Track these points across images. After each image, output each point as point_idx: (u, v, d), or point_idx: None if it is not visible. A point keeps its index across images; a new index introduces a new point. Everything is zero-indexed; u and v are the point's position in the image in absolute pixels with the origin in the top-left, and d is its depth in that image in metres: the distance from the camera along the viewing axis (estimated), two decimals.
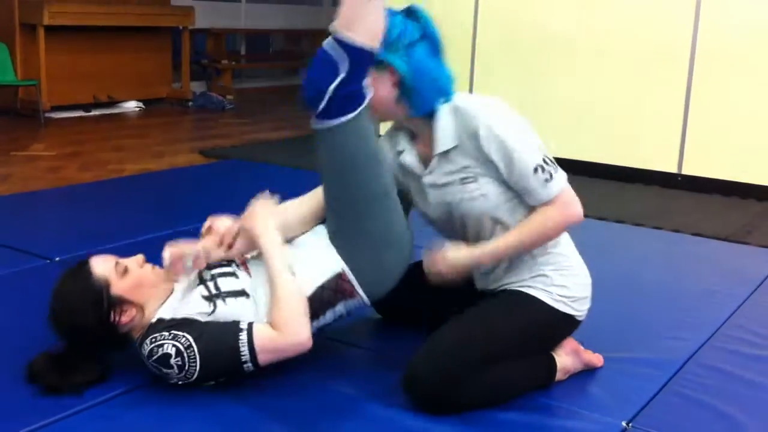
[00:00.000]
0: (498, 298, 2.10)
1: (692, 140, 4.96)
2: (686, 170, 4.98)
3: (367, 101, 1.92)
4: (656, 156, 5.07)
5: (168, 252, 2.08)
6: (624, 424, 1.98)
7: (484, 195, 2.02)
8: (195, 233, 2.27)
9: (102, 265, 2.06)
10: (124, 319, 2.03)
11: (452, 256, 2.05)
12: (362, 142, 1.96)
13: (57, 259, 3.05)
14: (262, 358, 1.98)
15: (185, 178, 4.89)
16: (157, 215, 3.80)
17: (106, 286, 2.03)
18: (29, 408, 1.95)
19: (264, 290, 2.05)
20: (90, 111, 7.41)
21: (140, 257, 2.12)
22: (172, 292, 2.11)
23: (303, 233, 2.18)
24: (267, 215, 2.11)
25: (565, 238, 2.17)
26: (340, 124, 1.90)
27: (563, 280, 2.09)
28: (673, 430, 1.97)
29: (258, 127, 7.05)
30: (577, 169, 5.22)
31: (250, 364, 1.97)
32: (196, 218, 3.38)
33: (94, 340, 2.05)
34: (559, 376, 2.17)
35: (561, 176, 2.01)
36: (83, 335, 2.04)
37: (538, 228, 2.00)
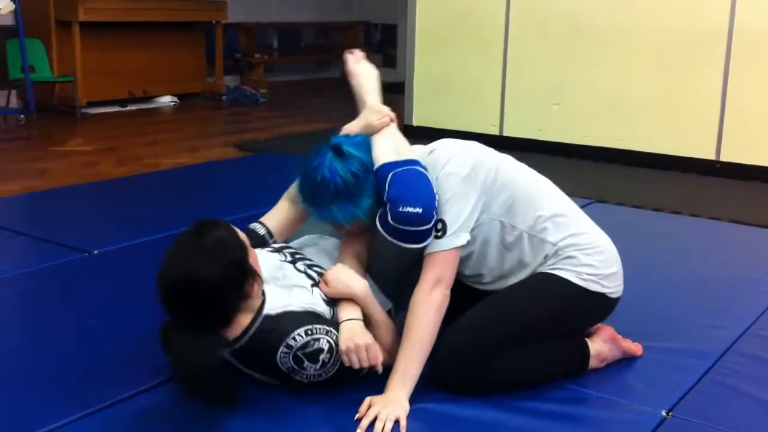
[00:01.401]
0: (527, 280, 2.10)
1: (730, 126, 4.88)
2: (724, 157, 4.90)
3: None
4: (694, 143, 4.99)
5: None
6: (664, 413, 1.96)
7: None
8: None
9: (241, 233, 1.90)
10: (254, 290, 1.85)
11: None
12: None
13: (95, 252, 3.09)
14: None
15: (220, 172, 4.92)
16: (194, 208, 3.83)
17: (247, 251, 1.85)
18: (71, 399, 1.97)
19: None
20: (125, 106, 7.49)
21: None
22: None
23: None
24: (353, 273, 2.05)
25: (581, 217, 2.16)
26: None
27: (589, 259, 2.07)
28: (713, 420, 1.95)
29: (291, 120, 7.07)
30: (613, 157, 5.20)
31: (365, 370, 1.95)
32: (232, 210, 3.41)
33: (215, 309, 1.77)
34: (594, 363, 2.15)
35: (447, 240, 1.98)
36: (207, 298, 1.75)
37: (412, 326, 1.95)
